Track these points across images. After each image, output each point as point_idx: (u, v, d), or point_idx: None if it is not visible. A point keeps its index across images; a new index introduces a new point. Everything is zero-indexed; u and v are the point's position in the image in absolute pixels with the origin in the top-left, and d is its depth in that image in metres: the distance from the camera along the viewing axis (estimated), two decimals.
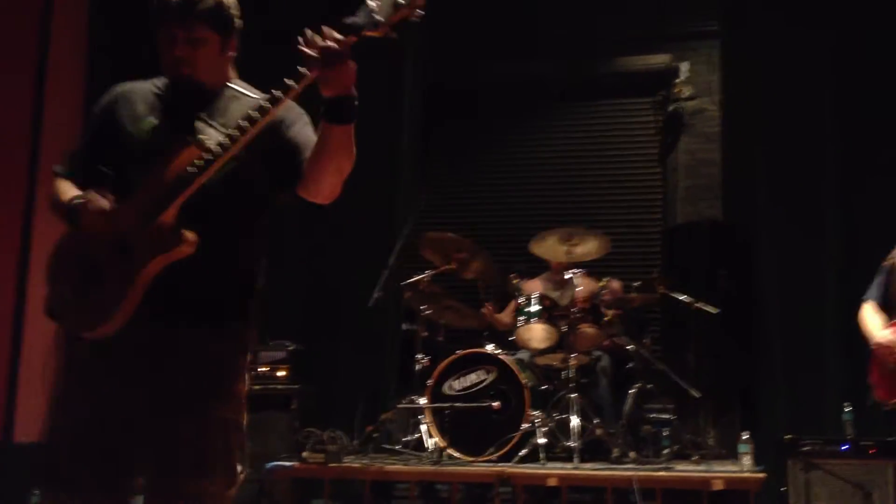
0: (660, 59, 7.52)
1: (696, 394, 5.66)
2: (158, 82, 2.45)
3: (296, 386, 5.72)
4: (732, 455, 5.20)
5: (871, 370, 3.78)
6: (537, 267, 6.55)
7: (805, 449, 4.66)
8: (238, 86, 2.46)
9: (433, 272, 5.88)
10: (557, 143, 7.74)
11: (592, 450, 5.39)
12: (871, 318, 3.72)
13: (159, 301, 2.19)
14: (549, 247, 6.02)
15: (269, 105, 2.18)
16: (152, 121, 2.36)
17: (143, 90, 2.44)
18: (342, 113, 2.18)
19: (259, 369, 5.68)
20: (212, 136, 2.27)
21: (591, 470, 5.06)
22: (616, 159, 7.61)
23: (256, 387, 5.42)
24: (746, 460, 4.93)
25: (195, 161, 2.18)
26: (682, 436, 5.58)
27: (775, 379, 5.92)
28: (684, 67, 7.39)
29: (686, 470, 5.10)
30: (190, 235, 2.18)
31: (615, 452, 5.30)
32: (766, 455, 5.03)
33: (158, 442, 2.20)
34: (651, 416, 5.68)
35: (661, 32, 7.45)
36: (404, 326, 6.37)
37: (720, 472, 4.95)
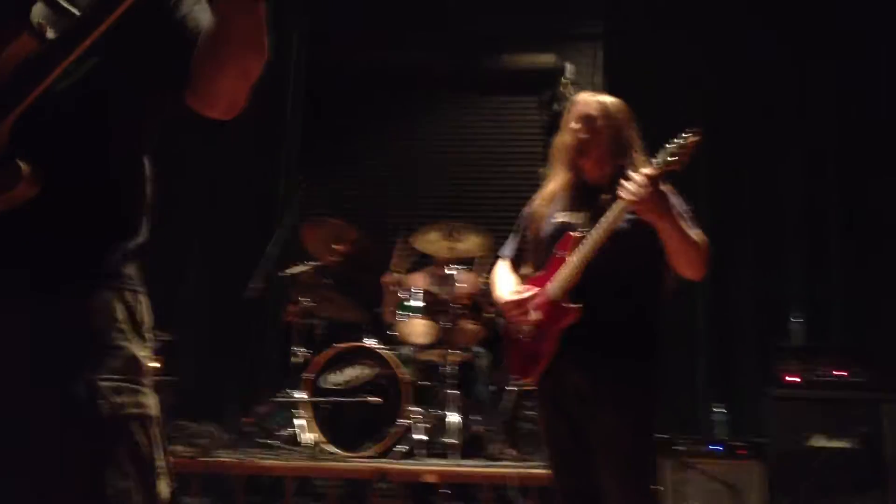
0: (545, 59, 7.56)
1: None
2: None
3: (167, 377, 5.51)
4: None
5: (504, 339, 3.21)
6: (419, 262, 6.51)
7: (677, 448, 4.75)
8: None
9: (315, 264, 5.77)
10: (443, 138, 7.71)
11: (471, 446, 5.37)
12: (502, 278, 3.21)
13: None
14: (431, 241, 6.00)
15: None
16: None
17: None
18: None
19: None
20: (55, 17, 1.55)
21: (469, 467, 5.04)
22: (500, 156, 7.62)
23: None
24: None
25: (30, 57, 1.47)
26: None
27: None
28: (570, 67, 7.45)
29: None
30: (27, 169, 1.48)
31: (494, 449, 5.30)
32: None
33: None
34: (531, 413, 5.69)
35: (546, 32, 7.50)
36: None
37: None
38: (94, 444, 1.49)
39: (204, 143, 6.63)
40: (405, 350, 5.84)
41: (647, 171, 2.69)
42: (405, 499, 4.97)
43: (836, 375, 4.92)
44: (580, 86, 7.40)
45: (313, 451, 5.16)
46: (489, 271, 3.38)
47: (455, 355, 5.51)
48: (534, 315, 3.00)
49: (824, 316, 5.85)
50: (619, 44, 7.02)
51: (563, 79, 7.35)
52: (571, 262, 2.89)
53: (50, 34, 1.48)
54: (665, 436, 4.75)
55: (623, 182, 2.73)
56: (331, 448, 5.22)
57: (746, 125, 6.39)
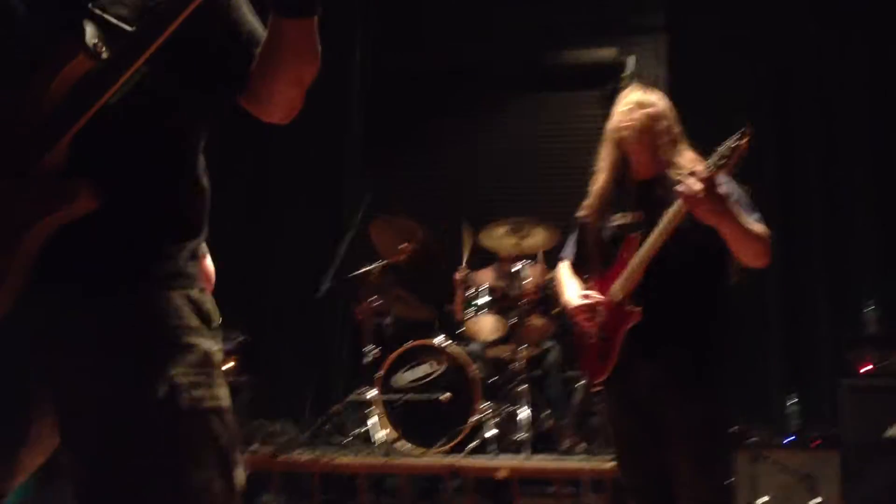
0: (607, 53, 7.52)
1: None
2: None
3: (244, 378, 5.65)
4: None
5: (575, 342, 3.29)
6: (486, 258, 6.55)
7: (752, 440, 4.72)
8: None
9: (383, 263, 5.85)
10: (507, 134, 7.73)
11: (542, 441, 5.40)
12: (567, 282, 3.25)
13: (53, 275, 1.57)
14: (497, 238, 6.02)
15: None
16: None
17: None
18: (300, 1, 1.58)
19: None
20: (107, 35, 1.55)
21: (540, 461, 5.07)
22: (564, 151, 7.61)
23: None
24: None
25: (86, 76, 1.50)
26: None
27: None
28: (631, 61, 7.42)
29: None
30: (85, 185, 1.52)
31: (565, 444, 5.32)
32: None
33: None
34: (601, 407, 5.70)
35: (608, 26, 7.47)
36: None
37: None
38: (177, 438, 1.55)
39: (274, 145, 6.76)
40: (474, 346, 5.89)
41: (699, 172, 2.71)
42: (478, 494, 5.02)
43: None
44: (643, 79, 7.40)
45: (386, 448, 5.24)
46: (554, 265, 3.43)
47: (524, 350, 5.53)
48: (600, 318, 3.05)
49: None
50: (682, 36, 6.96)
51: (624, 73, 7.37)
52: (632, 264, 2.92)
53: (105, 53, 1.51)
54: (738, 427, 4.73)
55: (679, 182, 2.75)
56: (403, 445, 5.29)
57: (814, 113, 6.31)
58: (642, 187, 3.04)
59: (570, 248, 3.37)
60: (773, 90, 6.44)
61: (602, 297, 3.06)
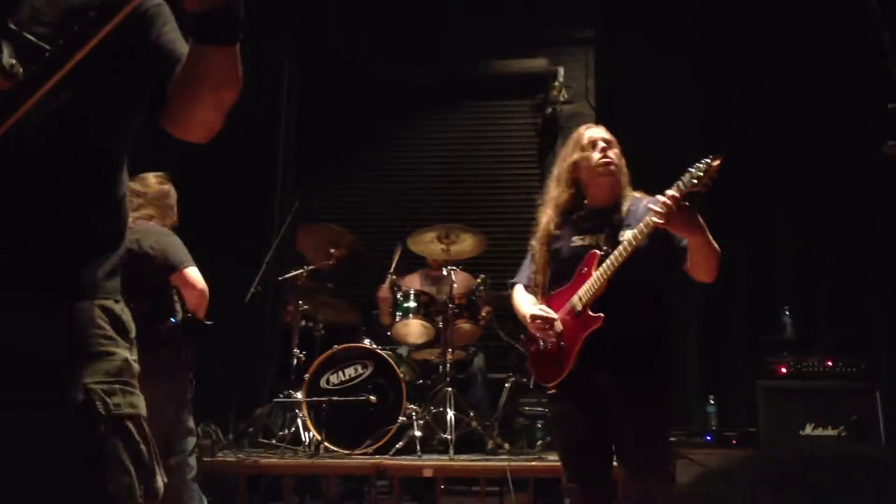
0: (538, 63, 7.66)
1: None
2: None
3: None
4: None
5: (527, 347, 3.56)
6: (415, 264, 6.62)
7: (671, 440, 4.83)
8: None
9: (311, 268, 5.88)
10: (437, 143, 7.82)
11: (468, 442, 5.47)
12: (523, 297, 3.56)
13: None
14: (426, 244, 6.08)
15: None
16: None
17: None
18: (220, 30, 1.57)
19: None
20: (23, 53, 1.53)
21: (465, 461, 5.13)
22: (495, 160, 7.73)
23: None
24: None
25: (1, 95, 1.47)
26: None
27: None
28: (561, 71, 7.56)
29: (557, 460, 5.21)
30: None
31: (490, 444, 5.39)
32: None
33: None
34: (525, 409, 5.78)
35: (538, 37, 7.60)
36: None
37: None
38: (93, 443, 1.56)
39: (201, 154, 6.73)
40: (402, 350, 5.94)
41: (672, 192, 2.96)
42: (404, 494, 5.06)
43: (825, 366, 5.02)
44: (572, 89, 7.55)
45: (314, 449, 5.26)
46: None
47: (451, 354, 5.60)
48: (557, 328, 3.29)
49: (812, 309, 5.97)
50: (610, 48, 7.11)
51: (555, 83, 7.51)
52: (596, 277, 3.18)
53: (21, 73, 1.48)
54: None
55: (651, 205, 3.03)
56: (331, 446, 5.31)
57: (733, 125, 6.50)
58: (598, 213, 3.35)
59: (524, 273, 3.62)
60: (698, 101, 6.60)
61: (555, 311, 3.32)
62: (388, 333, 5.93)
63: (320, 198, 7.52)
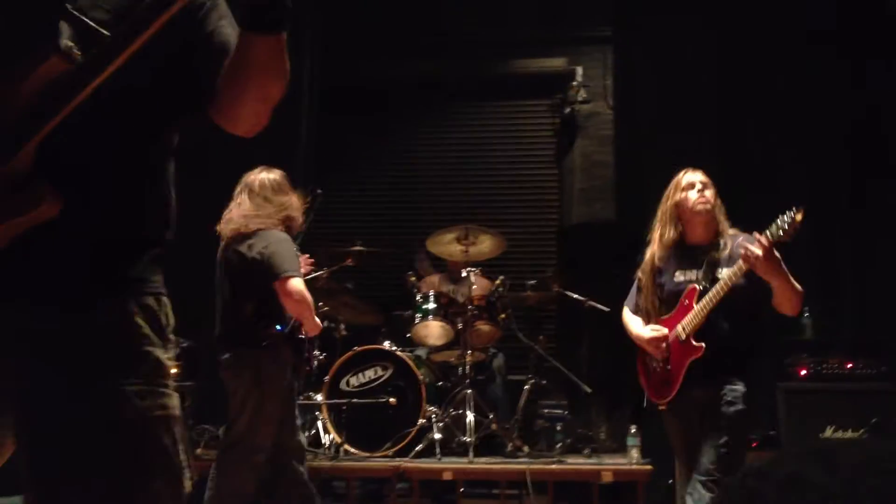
0: (556, 63, 7.65)
1: (587, 389, 5.81)
2: None
3: (189, 383, 5.64)
4: (622, 448, 5.35)
5: (639, 371, 3.99)
6: (434, 265, 6.63)
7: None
8: None
9: (331, 269, 5.88)
10: (455, 143, 7.82)
11: (487, 444, 5.48)
12: (633, 319, 3.97)
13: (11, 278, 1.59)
14: (445, 245, 6.08)
15: None
16: None
17: None
18: (269, 17, 1.59)
19: None
20: (83, 38, 1.55)
21: (485, 464, 5.15)
22: (513, 160, 7.72)
23: None
24: (635, 453, 5.09)
25: (57, 79, 1.48)
26: (575, 430, 5.73)
27: None
28: (579, 71, 7.54)
29: (577, 463, 5.25)
30: (48, 190, 1.53)
31: (509, 447, 5.40)
32: (654, 448, 5.19)
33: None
34: (545, 411, 5.79)
35: (556, 36, 7.58)
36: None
37: (609, 464, 5.10)
38: (123, 446, 1.56)
39: (221, 152, 6.75)
40: (421, 351, 5.95)
41: (763, 240, 3.33)
42: (424, 497, 5.08)
43: (845, 368, 5.00)
44: (590, 88, 7.53)
45: (334, 452, 5.28)
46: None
47: (471, 356, 5.61)
48: (666, 350, 3.74)
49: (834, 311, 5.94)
50: (629, 47, 7.10)
51: (573, 82, 7.49)
52: (696, 310, 3.60)
53: (79, 56, 1.50)
54: None
55: (744, 250, 3.41)
56: (350, 448, 5.33)
57: (752, 117, 6.48)
58: (698, 250, 3.75)
59: (632, 300, 4.02)
60: (715, 100, 6.58)
61: (668, 333, 3.73)
62: (408, 335, 5.93)
63: (339, 198, 7.53)
